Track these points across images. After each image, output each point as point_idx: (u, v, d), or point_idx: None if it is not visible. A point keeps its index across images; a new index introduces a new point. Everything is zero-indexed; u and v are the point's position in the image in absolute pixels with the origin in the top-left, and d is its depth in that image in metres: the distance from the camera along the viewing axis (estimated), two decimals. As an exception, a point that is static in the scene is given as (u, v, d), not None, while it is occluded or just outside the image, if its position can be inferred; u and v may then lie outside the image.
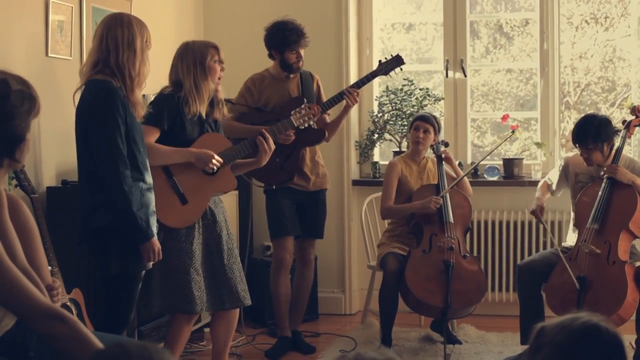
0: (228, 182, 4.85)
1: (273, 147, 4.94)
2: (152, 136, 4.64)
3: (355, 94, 5.74)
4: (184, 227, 4.70)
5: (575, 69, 7.57)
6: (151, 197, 4.25)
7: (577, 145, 5.45)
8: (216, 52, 4.81)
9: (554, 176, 5.79)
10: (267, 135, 4.91)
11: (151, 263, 4.26)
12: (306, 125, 5.28)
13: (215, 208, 4.84)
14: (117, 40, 4.14)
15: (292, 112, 5.26)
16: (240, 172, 5.04)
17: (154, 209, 4.28)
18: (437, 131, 6.02)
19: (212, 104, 4.88)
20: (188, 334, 4.86)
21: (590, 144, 5.35)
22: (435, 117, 6.10)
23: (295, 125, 5.24)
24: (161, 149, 4.65)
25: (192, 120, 4.75)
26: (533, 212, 5.66)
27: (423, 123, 6.00)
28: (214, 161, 4.71)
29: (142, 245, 4.14)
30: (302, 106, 5.27)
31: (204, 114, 4.81)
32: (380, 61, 5.88)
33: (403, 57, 5.86)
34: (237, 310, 4.95)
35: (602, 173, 5.38)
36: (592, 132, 5.34)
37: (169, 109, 4.69)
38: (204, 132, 4.80)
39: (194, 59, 4.73)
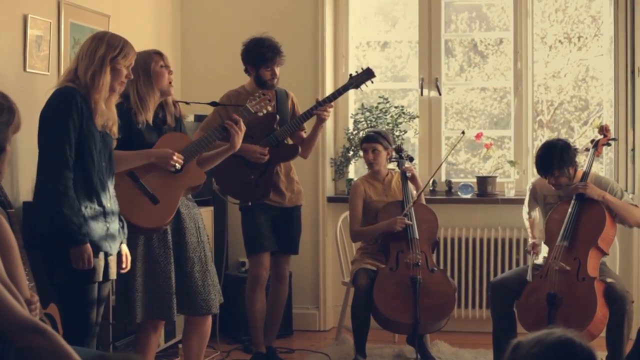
0: (195, 176, 4.83)
1: (244, 128, 4.88)
2: None
3: (329, 107, 5.78)
4: (163, 225, 4.71)
5: (548, 87, 7.65)
6: (100, 221, 4.22)
7: (543, 175, 5.52)
8: (160, 57, 4.84)
9: (526, 201, 5.86)
10: (237, 117, 4.87)
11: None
12: (264, 111, 5.13)
13: (188, 213, 4.86)
14: (82, 50, 4.24)
15: (247, 101, 5.13)
16: (216, 161, 5.02)
17: (112, 233, 4.27)
18: (388, 144, 6.05)
19: (164, 109, 4.91)
20: (157, 342, 4.91)
21: (557, 172, 5.43)
22: (380, 132, 6.13)
23: (252, 111, 5.05)
24: (120, 154, 4.63)
25: (147, 127, 4.79)
26: (527, 251, 5.74)
27: (369, 144, 6.04)
28: (174, 158, 4.71)
29: (72, 250, 4.09)
30: (256, 94, 5.17)
31: (150, 121, 4.80)
32: (351, 75, 5.92)
33: (374, 71, 5.91)
34: (209, 322, 4.96)
35: (570, 190, 5.45)
36: (555, 161, 5.39)
37: (122, 120, 4.64)
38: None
39: (136, 69, 4.69)
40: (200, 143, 4.84)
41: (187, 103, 5.44)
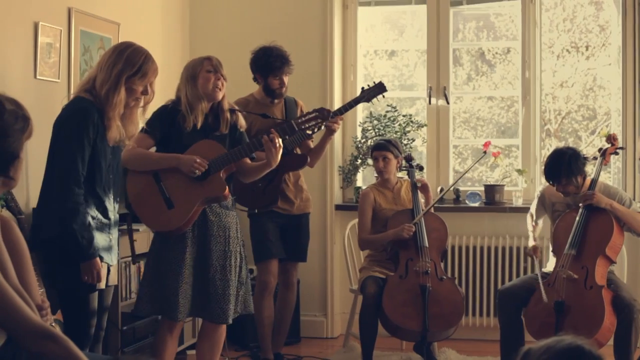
0: (216, 187, 4.80)
1: (280, 144, 4.81)
2: (144, 143, 4.81)
3: (339, 119, 5.79)
4: (168, 230, 4.74)
5: (556, 97, 7.67)
6: (103, 233, 4.27)
7: (550, 183, 5.53)
8: (209, 62, 4.90)
9: (533, 207, 5.88)
10: (274, 132, 4.81)
11: (103, 284, 4.27)
12: (309, 132, 5.13)
13: (217, 220, 4.87)
14: (103, 60, 4.25)
15: (294, 119, 5.09)
16: (254, 176, 5.03)
17: (113, 245, 4.32)
18: (398, 152, 6.08)
19: (218, 115, 4.95)
20: (173, 344, 4.91)
21: (564, 181, 5.44)
22: (390, 140, 6.15)
23: (296, 129, 5.00)
24: (148, 154, 4.77)
25: (192, 132, 4.84)
26: (527, 253, 5.74)
27: (380, 152, 6.06)
28: (195, 165, 4.73)
29: (82, 264, 4.15)
30: (308, 113, 5.09)
31: (198, 125, 4.85)
32: (362, 88, 5.91)
33: (385, 85, 5.91)
34: (222, 331, 4.97)
35: (578, 198, 5.47)
36: (564, 169, 5.41)
37: (162, 119, 4.85)
38: None
39: (186, 75, 4.89)
40: (231, 155, 4.84)
41: (240, 112, 5.36)
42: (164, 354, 4.87)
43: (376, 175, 6.18)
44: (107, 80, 4.18)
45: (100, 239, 4.24)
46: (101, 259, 4.24)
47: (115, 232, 4.40)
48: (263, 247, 5.89)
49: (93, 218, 4.20)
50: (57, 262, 4.19)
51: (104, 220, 4.28)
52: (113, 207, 4.36)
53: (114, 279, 4.52)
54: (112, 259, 4.36)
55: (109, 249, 4.32)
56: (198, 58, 4.98)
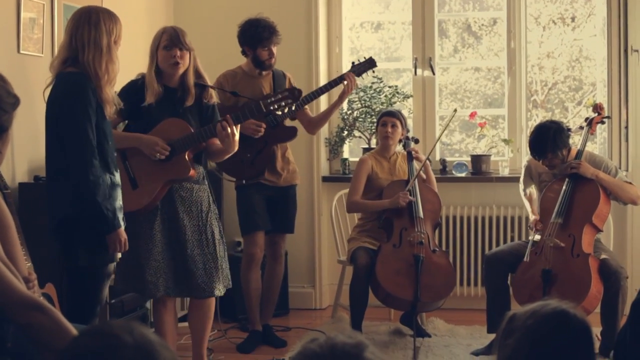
0: (180, 169, 4.78)
1: (234, 132, 4.77)
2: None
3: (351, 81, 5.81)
4: (133, 210, 4.68)
5: (542, 68, 7.67)
6: (118, 193, 4.25)
7: (536, 158, 5.54)
8: (166, 37, 4.82)
9: (521, 179, 5.90)
10: (229, 120, 4.77)
11: (119, 255, 4.29)
12: (279, 112, 5.15)
13: (188, 196, 4.85)
14: (83, 39, 4.14)
15: (262, 100, 5.10)
16: (219, 158, 5.04)
17: (122, 204, 4.29)
18: (404, 125, 6.10)
19: (185, 90, 4.89)
20: (169, 317, 4.95)
21: (550, 155, 5.46)
22: (400, 112, 6.18)
23: (264, 110, 5.03)
24: (114, 133, 4.64)
25: (161, 105, 4.82)
26: (530, 227, 5.75)
27: (390, 118, 6.07)
28: (157, 148, 4.73)
29: (109, 236, 4.15)
30: (277, 93, 5.13)
31: (152, 102, 4.80)
32: (353, 63, 5.92)
33: (375, 60, 5.91)
34: (210, 304, 4.97)
35: (564, 168, 5.48)
36: (549, 144, 5.42)
37: (128, 95, 4.79)
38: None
39: (150, 50, 4.84)
40: (194, 137, 4.81)
41: (212, 88, 5.16)
42: (163, 327, 4.92)
43: (363, 147, 6.18)
44: (100, 55, 4.12)
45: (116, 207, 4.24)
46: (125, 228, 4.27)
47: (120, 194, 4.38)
48: (249, 219, 5.90)
49: (107, 179, 4.19)
50: (79, 241, 4.17)
51: (116, 181, 4.26)
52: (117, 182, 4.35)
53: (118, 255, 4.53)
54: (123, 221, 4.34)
55: (120, 209, 4.30)
56: (157, 32, 4.89)
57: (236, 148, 4.87)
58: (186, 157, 4.81)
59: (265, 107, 5.01)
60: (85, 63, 4.12)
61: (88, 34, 4.14)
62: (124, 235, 4.21)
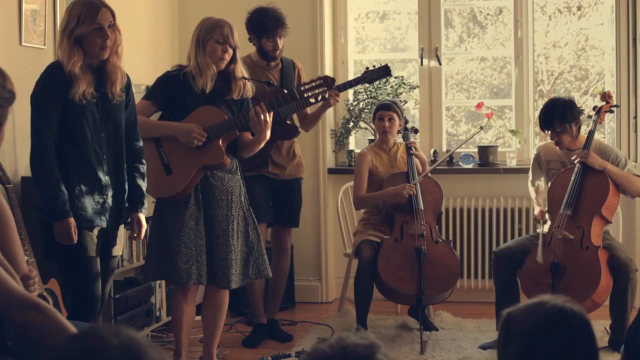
0: (214, 155, 4.80)
1: (267, 119, 4.82)
2: (146, 110, 4.86)
3: (336, 95, 5.59)
4: (167, 197, 4.76)
5: (548, 57, 7.61)
6: (96, 198, 4.25)
7: (545, 130, 5.50)
8: (220, 33, 4.83)
9: (530, 170, 5.83)
10: (263, 106, 4.82)
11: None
12: (312, 100, 5.07)
13: (220, 185, 4.85)
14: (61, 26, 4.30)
15: (297, 87, 5.11)
16: (249, 151, 5.01)
17: (107, 207, 4.29)
18: (401, 116, 6.03)
19: (229, 81, 4.90)
20: (189, 309, 4.94)
21: (558, 127, 5.40)
22: (396, 102, 6.10)
23: (298, 97, 5.05)
24: (147, 122, 4.80)
25: (198, 96, 4.82)
26: (535, 220, 5.69)
27: (386, 112, 5.99)
28: (194, 135, 4.74)
29: (55, 224, 4.13)
30: (311, 80, 5.09)
31: (207, 90, 4.82)
32: (367, 68, 5.63)
33: (390, 68, 5.64)
34: (224, 295, 4.97)
35: (573, 158, 5.43)
36: (557, 114, 5.39)
37: (163, 86, 4.88)
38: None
39: (197, 37, 4.86)
40: (228, 123, 4.83)
41: (248, 80, 5.09)
42: (181, 319, 4.91)
43: (369, 138, 6.13)
44: (62, 41, 4.21)
45: (89, 202, 4.22)
46: (92, 222, 4.22)
47: (110, 193, 4.33)
48: (251, 211, 5.85)
49: (78, 181, 4.18)
50: (45, 231, 4.19)
51: (93, 182, 4.23)
52: (107, 168, 4.31)
53: (118, 250, 4.52)
54: (105, 221, 4.30)
55: (102, 211, 4.28)
56: (210, 22, 4.90)
57: (268, 137, 4.90)
58: (220, 143, 4.82)
59: (300, 94, 5.00)
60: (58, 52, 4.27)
61: (61, 22, 4.30)
62: (70, 225, 4.12)
